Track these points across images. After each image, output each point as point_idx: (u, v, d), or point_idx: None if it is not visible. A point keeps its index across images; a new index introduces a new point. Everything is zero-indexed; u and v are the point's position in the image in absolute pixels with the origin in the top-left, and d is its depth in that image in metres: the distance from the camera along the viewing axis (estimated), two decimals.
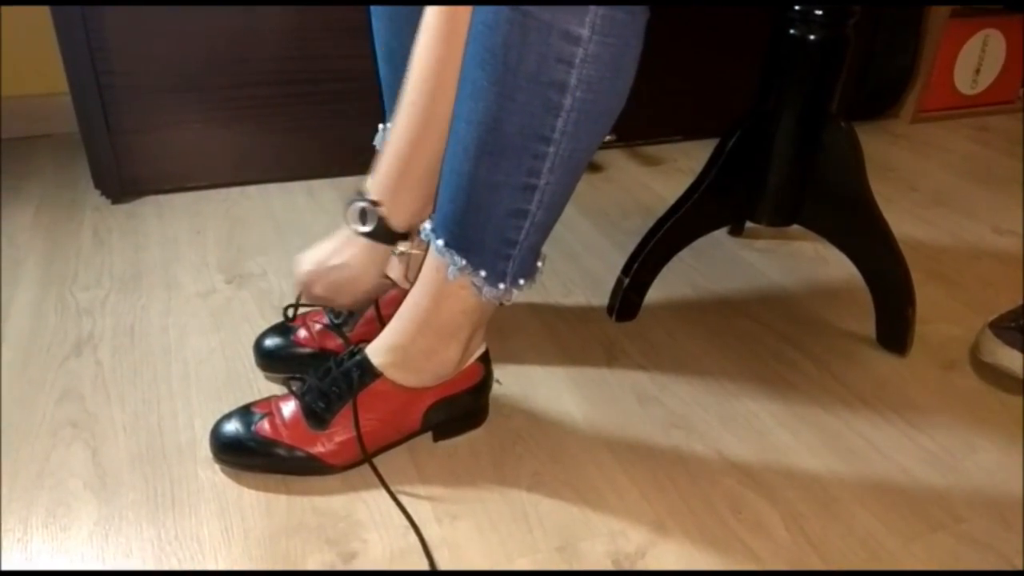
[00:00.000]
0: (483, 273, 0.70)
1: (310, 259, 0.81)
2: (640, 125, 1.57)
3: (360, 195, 0.77)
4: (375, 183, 0.77)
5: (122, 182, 1.29)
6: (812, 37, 0.90)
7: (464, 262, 0.69)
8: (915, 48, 1.70)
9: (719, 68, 1.56)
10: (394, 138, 0.75)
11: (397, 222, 0.77)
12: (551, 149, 0.63)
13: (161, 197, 1.32)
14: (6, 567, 0.67)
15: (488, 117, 0.62)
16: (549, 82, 0.60)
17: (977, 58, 1.78)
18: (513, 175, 0.64)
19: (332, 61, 1.32)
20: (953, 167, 1.57)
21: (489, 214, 0.67)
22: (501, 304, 0.73)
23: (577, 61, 0.59)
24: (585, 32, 0.58)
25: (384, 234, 0.77)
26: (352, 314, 0.87)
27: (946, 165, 1.58)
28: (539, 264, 0.74)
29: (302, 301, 0.86)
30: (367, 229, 0.77)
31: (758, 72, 0.97)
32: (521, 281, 0.72)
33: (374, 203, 0.76)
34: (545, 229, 0.70)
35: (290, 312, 0.89)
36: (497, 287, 0.71)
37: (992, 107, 1.85)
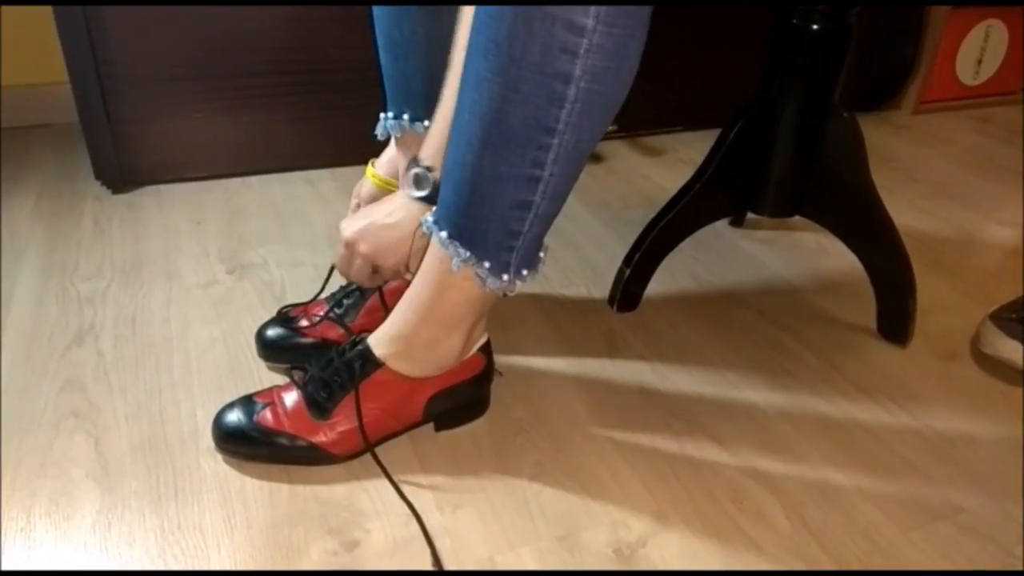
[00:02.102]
0: (487, 264, 0.70)
1: (362, 216, 0.81)
2: (642, 115, 1.57)
3: (415, 162, 0.77)
4: (427, 149, 0.76)
5: (122, 172, 1.29)
6: (815, 27, 0.90)
7: (468, 254, 0.69)
8: (917, 38, 1.70)
9: (721, 58, 1.55)
10: (444, 105, 0.74)
11: None
12: (555, 140, 0.63)
13: (162, 187, 1.32)
14: (9, 555, 0.67)
15: (492, 108, 0.62)
16: (553, 73, 0.59)
17: (979, 49, 1.78)
18: (517, 167, 0.64)
19: (333, 51, 1.32)
20: (955, 158, 1.57)
21: (493, 206, 0.67)
22: (504, 295, 0.73)
23: (582, 51, 0.58)
24: (590, 22, 0.57)
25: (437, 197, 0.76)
26: (360, 294, 0.88)
27: (948, 156, 1.58)
28: (541, 255, 0.74)
29: (341, 269, 0.84)
30: (423, 193, 0.76)
31: (760, 62, 0.96)
32: (524, 272, 0.72)
33: (428, 168, 0.76)
34: (548, 220, 0.70)
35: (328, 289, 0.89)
36: (501, 278, 0.71)
37: (994, 98, 1.84)
